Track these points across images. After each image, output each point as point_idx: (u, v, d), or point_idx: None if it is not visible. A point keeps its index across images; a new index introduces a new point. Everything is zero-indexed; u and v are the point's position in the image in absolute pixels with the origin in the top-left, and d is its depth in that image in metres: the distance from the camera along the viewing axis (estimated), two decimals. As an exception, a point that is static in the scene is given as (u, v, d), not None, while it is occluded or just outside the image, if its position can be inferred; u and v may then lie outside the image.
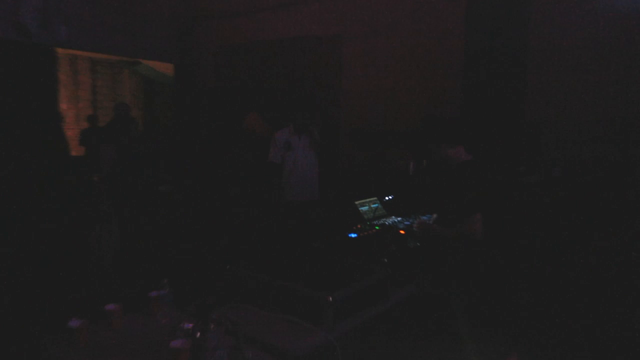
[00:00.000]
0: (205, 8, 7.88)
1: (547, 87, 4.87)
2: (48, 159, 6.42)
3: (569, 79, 4.76)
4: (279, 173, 4.70)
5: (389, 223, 3.46)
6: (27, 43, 6.26)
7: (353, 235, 3.07)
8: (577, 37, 4.68)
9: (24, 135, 5.56)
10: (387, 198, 3.87)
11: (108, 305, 2.24)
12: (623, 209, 4.22)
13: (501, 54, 4.70)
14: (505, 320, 2.82)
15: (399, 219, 3.61)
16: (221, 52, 7.78)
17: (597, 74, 4.61)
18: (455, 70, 5.09)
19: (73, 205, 4.90)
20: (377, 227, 3.27)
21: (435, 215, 3.40)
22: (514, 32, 4.74)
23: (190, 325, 2.05)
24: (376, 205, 3.73)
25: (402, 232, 3.15)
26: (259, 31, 7.18)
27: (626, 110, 4.48)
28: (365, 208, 3.65)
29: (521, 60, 4.83)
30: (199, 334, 1.96)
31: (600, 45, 4.58)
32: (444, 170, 3.01)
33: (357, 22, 6.13)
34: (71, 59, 11.32)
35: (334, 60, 6.34)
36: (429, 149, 3.11)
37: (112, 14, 7.23)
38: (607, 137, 4.54)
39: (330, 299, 2.21)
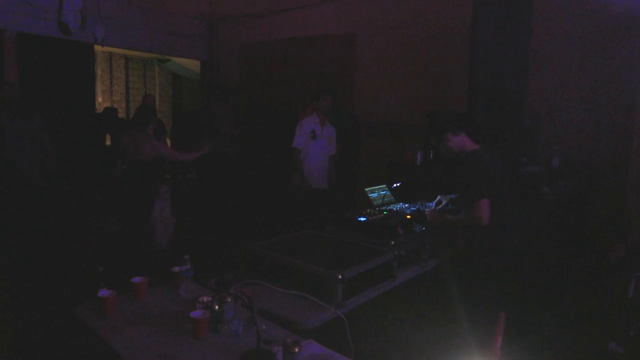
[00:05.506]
0: (231, 9, 7.86)
1: (547, 83, 4.76)
2: (91, 145, 6.58)
3: (568, 76, 4.64)
4: (301, 159, 4.58)
5: (396, 208, 3.42)
6: (68, 41, 6.31)
7: (363, 219, 3.04)
8: (576, 35, 4.56)
9: (67, 124, 5.64)
10: (395, 185, 3.82)
11: (134, 278, 2.24)
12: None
13: (504, 52, 4.60)
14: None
15: (406, 205, 3.56)
16: (245, 49, 7.76)
17: (593, 71, 4.49)
18: (462, 67, 5.00)
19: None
20: (385, 212, 3.22)
21: (440, 198, 3.32)
22: (517, 32, 4.64)
23: (209, 298, 2.05)
24: (385, 192, 3.68)
25: (408, 216, 3.10)
26: (279, 30, 7.13)
27: (623, 105, 4.35)
28: (374, 194, 3.60)
29: (523, 58, 4.73)
30: (217, 307, 1.96)
31: (598, 43, 4.46)
32: (454, 161, 2.93)
33: (370, 22, 6.05)
34: (107, 56, 11.41)
35: (349, 57, 6.28)
36: (435, 143, 3.03)
37: (144, 15, 7.24)
38: (604, 131, 4.43)
39: (340, 277, 2.19)
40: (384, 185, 3.74)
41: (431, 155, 4.78)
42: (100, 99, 11.02)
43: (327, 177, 4.72)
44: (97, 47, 7.48)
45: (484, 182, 2.71)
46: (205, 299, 2.07)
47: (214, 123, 5.94)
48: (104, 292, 2.06)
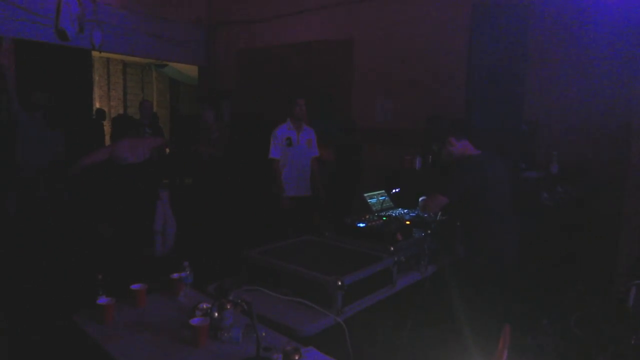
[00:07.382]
0: (228, 14, 7.89)
1: (545, 89, 4.79)
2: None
3: (566, 82, 4.67)
4: (280, 169, 4.53)
5: (395, 214, 3.43)
6: (66, 47, 6.32)
7: (362, 225, 3.04)
8: (573, 41, 4.59)
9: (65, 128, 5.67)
10: (394, 191, 3.83)
11: (134, 285, 2.24)
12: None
13: (502, 57, 4.63)
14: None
15: (405, 210, 3.57)
16: (242, 55, 7.78)
17: (592, 77, 4.51)
18: (460, 73, 5.02)
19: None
20: (384, 218, 3.23)
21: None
22: (515, 38, 4.67)
23: (209, 305, 2.05)
24: (384, 197, 3.69)
25: (407, 222, 3.11)
26: (277, 36, 7.16)
27: (621, 111, 4.38)
28: (373, 200, 3.61)
29: (521, 64, 4.75)
30: (216, 313, 1.95)
31: (595, 50, 4.49)
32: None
33: (367, 28, 6.08)
34: (105, 62, 11.41)
35: (346, 63, 6.30)
36: (437, 147, 3.06)
37: (142, 20, 7.25)
38: (602, 136, 4.45)
39: (339, 283, 2.19)
40: (383, 191, 3.75)
41: (430, 161, 4.80)
42: (97, 105, 11.02)
43: (309, 184, 4.62)
44: (95, 53, 7.50)
45: (462, 185, 2.77)
46: (204, 306, 2.07)
47: (202, 128, 5.96)
48: (102, 300, 2.06)
